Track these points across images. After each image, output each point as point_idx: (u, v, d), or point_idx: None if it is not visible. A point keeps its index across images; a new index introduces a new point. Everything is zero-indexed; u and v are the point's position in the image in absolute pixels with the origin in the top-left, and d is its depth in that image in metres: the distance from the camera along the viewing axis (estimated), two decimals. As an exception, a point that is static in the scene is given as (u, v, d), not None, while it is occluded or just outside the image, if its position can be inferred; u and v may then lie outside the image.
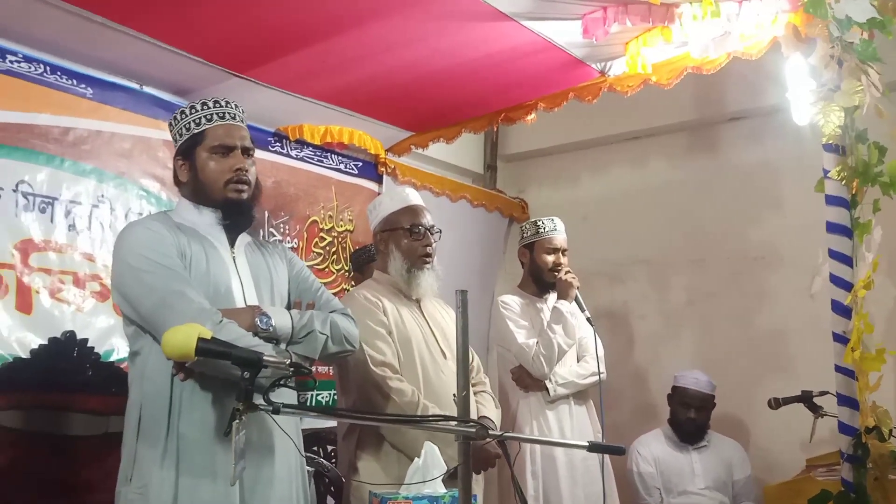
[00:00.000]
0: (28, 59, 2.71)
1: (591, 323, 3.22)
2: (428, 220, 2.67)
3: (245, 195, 2.07)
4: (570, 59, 3.14)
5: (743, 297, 4.15)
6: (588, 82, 3.34)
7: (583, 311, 3.24)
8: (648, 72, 3.04)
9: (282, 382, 1.52)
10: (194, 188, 2.08)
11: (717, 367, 3.98)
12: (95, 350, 2.32)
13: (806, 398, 3.24)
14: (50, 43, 2.73)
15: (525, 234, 3.49)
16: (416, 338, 2.56)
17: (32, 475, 2.07)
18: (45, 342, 2.18)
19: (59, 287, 2.73)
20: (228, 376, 1.80)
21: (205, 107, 2.09)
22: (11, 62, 2.66)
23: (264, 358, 1.50)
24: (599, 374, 3.24)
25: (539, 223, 3.45)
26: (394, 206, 2.69)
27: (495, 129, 4.68)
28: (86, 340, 2.21)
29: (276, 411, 1.42)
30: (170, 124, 2.15)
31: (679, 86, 3.18)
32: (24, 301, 2.61)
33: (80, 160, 2.84)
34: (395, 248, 2.64)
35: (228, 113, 2.12)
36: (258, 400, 1.49)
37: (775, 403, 3.32)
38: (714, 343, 4.20)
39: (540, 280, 3.44)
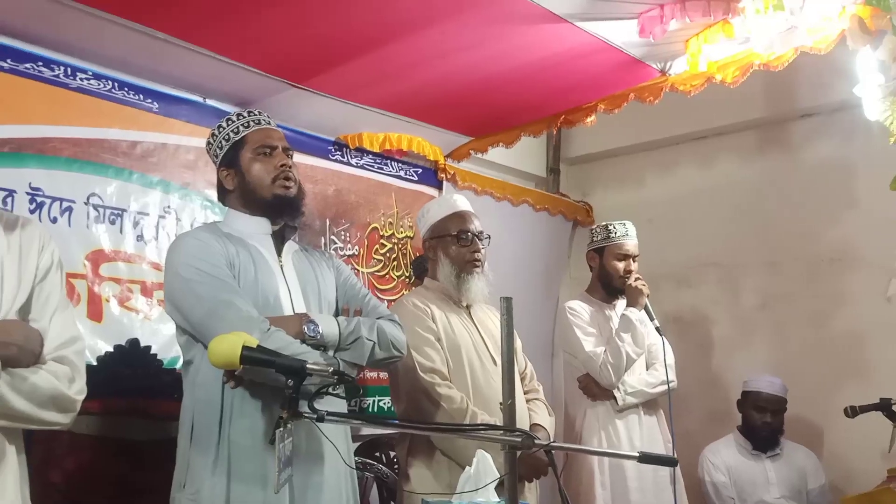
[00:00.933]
0: (98, 77, 2.81)
1: (660, 332, 3.15)
2: (476, 225, 2.66)
3: (293, 191, 2.12)
4: (629, 59, 3.07)
5: (818, 300, 3.99)
6: (649, 82, 3.27)
7: (652, 319, 3.17)
8: (710, 70, 2.94)
9: (327, 390, 1.53)
10: (242, 193, 2.13)
11: (791, 372, 3.83)
12: (159, 357, 2.39)
13: (885, 406, 3.07)
14: (118, 60, 2.83)
15: (595, 238, 3.43)
16: (466, 344, 2.55)
17: (101, 478, 2.14)
18: (111, 349, 2.26)
19: (128, 296, 2.83)
20: (277, 384, 1.82)
21: (240, 117, 2.17)
22: (82, 80, 2.77)
23: (308, 366, 1.51)
24: (668, 382, 3.16)
25: (610, 227, 3.38)
26: (441, 212, 2.69)
27: (555, 131, 4.62)
28: (149, 347, 2.28)
29: (321, 419, 1.43)
30: (208, 143, 2.22)
31: (747, 82, 3.08)
32: (95, 309, 2.71)
33: (148, 172, 2.94)
34: (443, 254, 2.64)
35: (263, 119, 2.19)
36: (304, 408, 1.51)
37: (852, 412, 3.16)
38: (788, 348, 4.04)
39: (609, 286, 3.38)
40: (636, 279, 3.26)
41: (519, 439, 1.45)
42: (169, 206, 3.00)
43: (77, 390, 1.55)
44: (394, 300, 3.69)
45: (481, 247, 2.67)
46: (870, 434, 3.28)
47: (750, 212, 4.24)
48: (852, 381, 3.70)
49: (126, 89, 2.89)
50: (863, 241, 3.81)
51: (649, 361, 3.32)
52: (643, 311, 3.20)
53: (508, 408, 1.51)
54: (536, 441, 1.44)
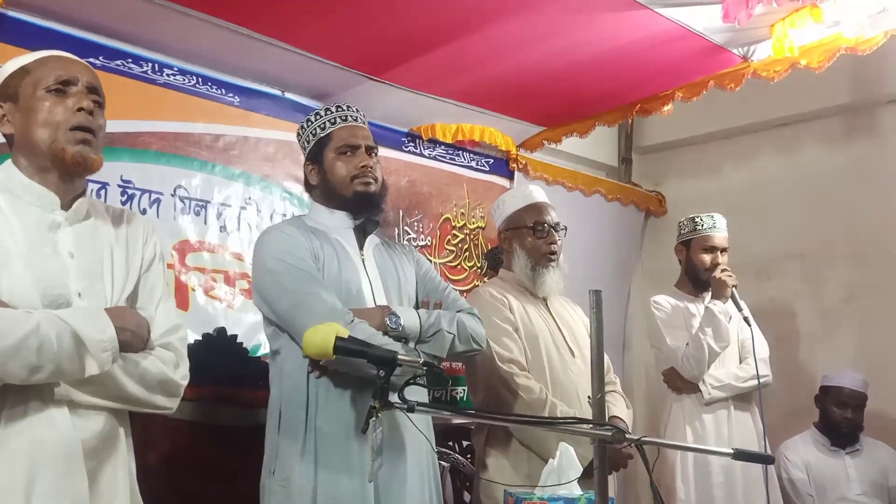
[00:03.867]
0: (182, 72, 2.89)
1: (748, 323, 3.08)
2: (552, 217, 2.64)
3: (373, 188, 2.14)
4: (710, 45, 2.99)
5: (907, 294, 3.83)
6: (730, 69, 3.18)
7: (739, 310, 3.10)
8: (796, 55, 2.84)
9: (414, 381, 1.55)
10: (324, 190, 2.17)
11: (877, 367, 3.69)
12: (244, 345, 2.46)
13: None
14: (201, 56, 2.90)
15: (682, 231, 3.37)
16: (544, 335, 2.55)
17: (193, 462, 2.21)
18: (200, 338, 2.32)
19: (212, 285, 2.90)
20: (361, 374, 1.87)
21: (328, 112, 2.20)
22: (168, 75, 2.85)
23: (399, 357, 1.53)
24: (759, 377, 3.07)
25: (697, 219, 3.32)
26: (517, 204, 2.68)
27: (630, 120, 4.55)
28: (235, 336, 2.34)
29: (411, 409, 1.45)
30: (297, 134, 2.26)
31: (832, 67, 2.97)
32: (182, 299, 2.79)
33: (230, 165, 3.01)
34: (519, 246, 2.63)
35: (350, 116, 2.21)
36: (392, 398, 1.52)
37: (943, 410, 3.04)
38: (873, 342, 3.89)
39: (696, 279, 3.33)
40: (722, 270, 3.19)
41: (609, 433, 1.43)
42: (250, 198, 3.06)
43: (182, 375, 1.62)
44: (465, 291, 3.69)
45: (557, 238, 2.65)
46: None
47: (834, 201, 4.09)
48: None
49: (209, 84, 2.96)
50: (955, 231, 3.64)
51: (742, 355, 3.25)
52: (729, 302, 3.13)
53: (598, 402, 1.50)
54: (627, 435, 1.43)
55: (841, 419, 3.45)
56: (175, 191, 2.84)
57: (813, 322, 4.17)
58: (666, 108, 3.51)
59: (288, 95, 3.21)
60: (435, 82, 3.30)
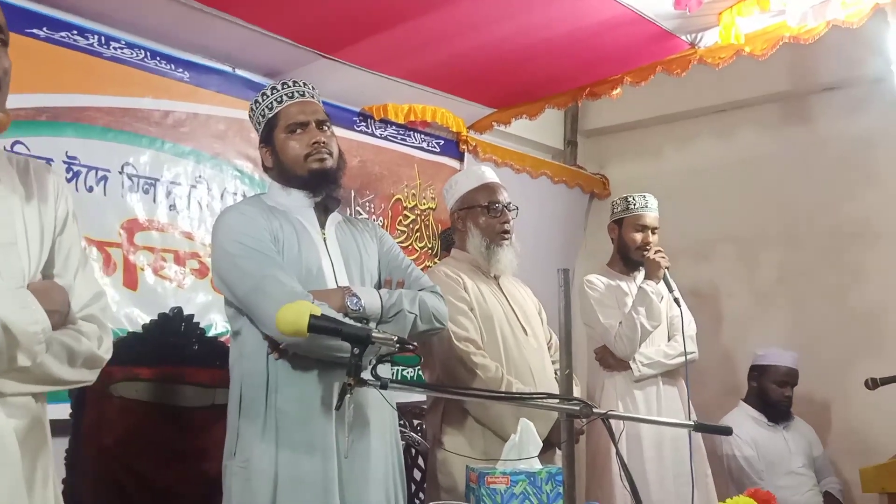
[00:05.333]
0: (130, 46, 2.81)
1: (678, 304, 3.17)
2: (505, 196, 2.67)
3: (329, 163, 2.10)
4: (659, 31, 3.07)
5: (837, 275, 4.02)
6: (677, 55, 3.26)
7: (671, 291, 3.18)
8: (742, 42, 2.94)
9: (387, 358, 1.56)
10: (280, 171, 2.13)
11: (809, 346, 3.88)
12: (200, 325, 2.42)
13: (905, 378, 3.13)
14: (149, 29, 2.83)
15: (615, 210, 3.43)
16: (498, 314, 2.59)
17: (149, 442, 2.18)
18: (155, 318, 2.28)
19: (162, 265, 2.85)
20: (320, 356, 1.88)
21: (274, 90, 2.14)
22: (115, 49, 2.77)
23: (373, 334, 1.54)
24: (686, 353, 3.18)
25: (630, 199, 3.38)
26: (470, 184, 2.70)
27: (578, 104, 4.62)
28: (192, 316, 2.30)
29: (384, 386, 1.46)
30: (249, 116, 2.22)
31: (771, 55, 3.08)
32: (131, 278, 2.74)
33: (179, 142, 2.95)
34: (473, 225, 2.66)
35: (297, 91, 2.14)
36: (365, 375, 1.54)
37: (873, 384, 3.20)
38: (806, 322, 4.08)
39: (627, 258, 3.39)
40: (655, 251, 3.28)
41: (577, 408, 1.48)
42: (200, 176, 3.01)
43: (106, 349, 1.49)
44: (427, 269, 3.71)
45: (510, 218, 2.68)
46: (887, 406, 3.34)
47: (769, 185, 4.25)
48: (870, 355, 3.72)
49: (158, 59, 2.89)
50: (883, 216, 3.84)
51: (671, 333, 3.35)
52: (661, 283, 3.23)
53: (566, 377, 1.54)
54: (595, 410, 1.47)
55: (781, 397, 3.60)
56: (123, 168, 2.77)
57: (747, 302, 4.34)
58: (615, 92, 3.58)
59: (239, 72, 3.16)
60: (388, 62, 3.29)
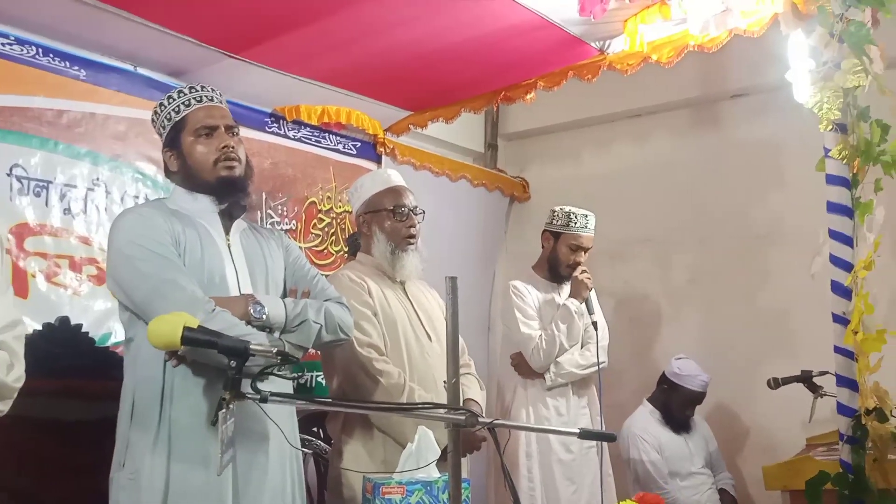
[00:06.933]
0: (21, 42, 2.69)
1: (595, 328, 3.28)
2: (411, 200, 2.65)
3: (237, 171, 2.07)
4: (569, 37, 3.09)
5: (746, 277, 4.12)
6: (587, 60, 3.30)
7: (591, 313, 3.27)
8: (646, 50, 2.99)
9: (272, 371, 1.52)
10: (185, 175, 2.08)
11: (720, 346, 3.98)
12: (90, 335, 2.33)
13: (805, 378, 3.23)
14: (42, 25, 2.71)
15: (555, 221, 3.45)
16: (402, 320, 2.56)
17: (32, 459, 2.08)
18: (40, 328, 2.18)
19: (56, 271, 2.73)
20: (220, 364, 1.80)
21: (181, 94, 2.10)
22: (3, 45, 2.64)
23: (251, 346, 1.49)
24: (599, 364, 3.25)
25: (572, 216, 3.40)
26: (376, 187, 2.67)
27: (495, 108, 4.63)
28: (80, 325, 2.21)
29: (264, 400, 1.42)
30: (152, 120, 2.16)
31: (681, 62, 3.14)
32: (21, 286, 2.60)
33: (75, 143, 2.83)
34: (378, 229, 2.63)
35: (206, 96, 2.11)
36: (248, 388, 1.49)
37: (774, 384, 3.32)
38: (717, 323, 4.18)
39: (555, 270, 3.43)
40: (582, 272, 3.34)
41: (463, 417, 1.46)
42: (98, 179, 2.90)
43: (15, 377, 1.46)
44: (331, 274, 3.66)
45: (416, 222, 2.66)
46: (792, 405, 3.44)
47: (683, 189, 4.34)
48: (778, 355, 3.82)
49: (51, 56, 2.77)
50: (790, 219, 3.95)
51: (584, 340, 3.41)
52: (584, 304, 3.30)
53: (452, 386, 1.52)
54: (480, 419, 1.46)
55: (683, 416, 3.68)
56: (11, 170, 2.65)
57: (662, 304, 4.43)
58: (529, 96, 3.60)
59: (141, 71, 3.06)
60: (298, 62, 3.23)
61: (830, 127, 2.42)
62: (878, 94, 2.39)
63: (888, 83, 2.40)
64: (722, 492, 3.64)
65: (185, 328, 1.44)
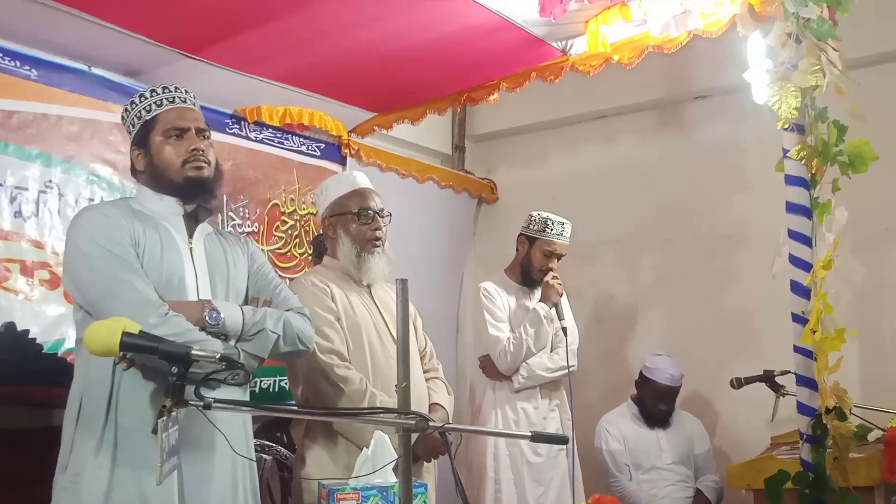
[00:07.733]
0: (-32, 41, 2.62)
1: (565, 333, 3.28)
2: (377, 203, 2.62)
3: (206, 172, 2.04)
4: (531, 38, 3.07)
5: (711, 277, 4.14)
6: (550, 61, 3.28)
7: (560, 319, 3.27)
8: (608, 51, 2.98)
9: (221, 378, 1.48)
10: (152, 175, 2.04)
11: (685, 346, 3.98)
12: (39, 341, 2.27)
13: (767, 378, 3.25)
14: (-9, 24, 2.64)
15: (531, 226, 3.44)
16: (367, 324, 2.53)
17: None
18: (-14, 334, 2.12)
19: (6, 276, 2.65)
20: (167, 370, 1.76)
21: (154, 93, 2.07)
22: (-51, 44, 2.57)
23: (192, 352, 1.45)
24: (569, 367, 3.25)
25: (549, 222, 3.40)
26: (341, 190, 2.64)
27: (460, 109, 4.61)
28: (27, 332, 2.14)
29: (207, 407, 1.38)
30: (122, 117, 2.13)
31: (646, 64, 3.13)
32: (-32, 291, 2.54)
33: (26, 144, 2.76)
34: (343, 232, 2.60)
35: (179, 97, 2.09)
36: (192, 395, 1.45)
37: (737, 383, 3.33)
38: (682, 323, 4.19)
39: (527, 274, 3.43)
40: (554, 277, 3.34)
41: (413, 422, 1.44)
42: (51, 181, 2.83)
43: None
44: (295, 278, 3.62)
45: (382, 225, 2.63)
46: (757, 405, 3.45)
47: (648, 190, 4.35)
48: (742, 355, 3.84)
49: (1, 55, 2.70)
50: (751, 220, 3.97)
51: (555, 343, 3.40)
52: (553, 309, 3.30)
53: (403, 390, 1.49)
54: (430, 423, 1.43)
55: (654, 410, 3.70)
56: (-42, 172, 2.57)
57: (628, 304, 4.43)
58: (492, 97, 3.58)
59: (95, 71, 2.99)
60: (259, 63, 3.19)
61: (787, 125, 2.43)
62: (836, 94, 2.41)
63: (845, 83, 2.42)
64: (697, 492, 3.64)
65: (125, 333, 1.40)
